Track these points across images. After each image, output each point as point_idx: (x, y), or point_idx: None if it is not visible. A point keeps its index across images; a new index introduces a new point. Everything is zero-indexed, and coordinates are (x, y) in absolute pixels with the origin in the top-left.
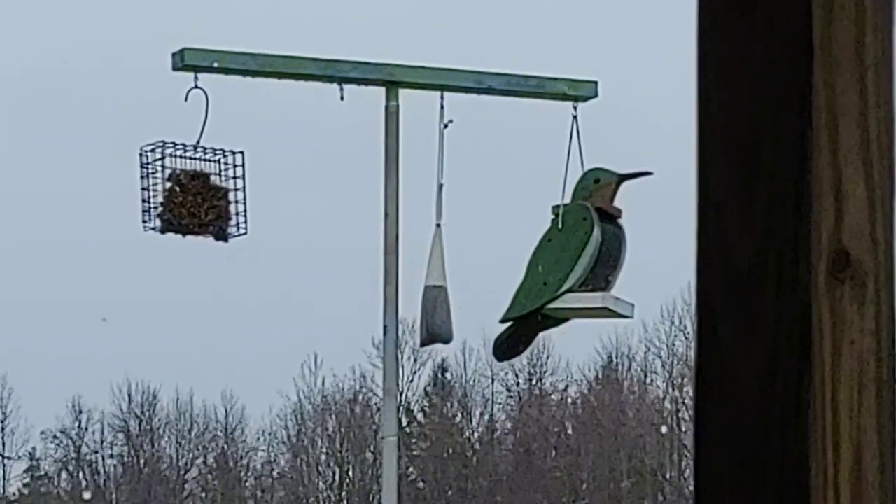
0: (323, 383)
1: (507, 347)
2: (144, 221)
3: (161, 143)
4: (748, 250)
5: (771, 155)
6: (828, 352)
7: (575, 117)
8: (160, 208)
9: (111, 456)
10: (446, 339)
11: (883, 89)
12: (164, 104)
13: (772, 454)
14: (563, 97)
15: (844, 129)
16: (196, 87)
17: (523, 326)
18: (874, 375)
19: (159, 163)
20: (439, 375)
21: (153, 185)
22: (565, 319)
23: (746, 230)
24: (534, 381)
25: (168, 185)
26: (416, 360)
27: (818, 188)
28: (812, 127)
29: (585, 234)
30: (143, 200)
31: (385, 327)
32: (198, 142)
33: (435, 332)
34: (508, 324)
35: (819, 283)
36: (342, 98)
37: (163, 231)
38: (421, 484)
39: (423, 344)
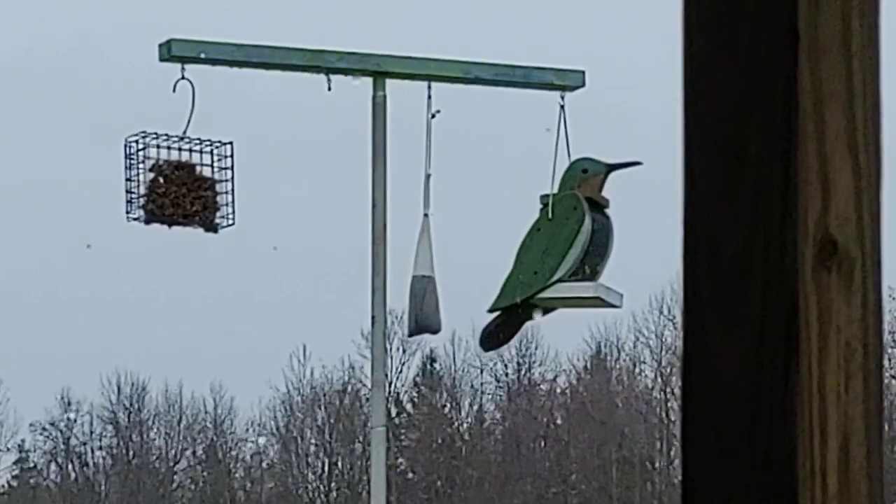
0: (312, 374)
1: (494, 337)
2: (128, 212)
3: (146, 134)
4: (734, 239)
5: (757, 143)
6: (815, 340)
7: (562, 107)
8: (143, 199)
9: (100, 448)
10: (435, 330)
11: (869, 77)
12: (151, 95)
13: (759, 443)
14: (551, 87)
15: (830, 117)
16: (183, 77)
17: (512, 316)
18: (861, 363)
19: (143, 153)
20: (428, 366)
21: (137, 175)
22: (554, 309)
23: (733, 219)
24: (522, 371)
25: (150, 175)
26: (404, 351)
27: (804, 176)
28: (798, 115)
29: (576, 224)
30: (127, 191)
31: (373, 318)
32: (184, 132)
33: (423, 322)
34: (496, 314)
35: (806, 272)
36: (329, 88)
37: (147, 222)
38: (410, 474)
39: (411, 334)
